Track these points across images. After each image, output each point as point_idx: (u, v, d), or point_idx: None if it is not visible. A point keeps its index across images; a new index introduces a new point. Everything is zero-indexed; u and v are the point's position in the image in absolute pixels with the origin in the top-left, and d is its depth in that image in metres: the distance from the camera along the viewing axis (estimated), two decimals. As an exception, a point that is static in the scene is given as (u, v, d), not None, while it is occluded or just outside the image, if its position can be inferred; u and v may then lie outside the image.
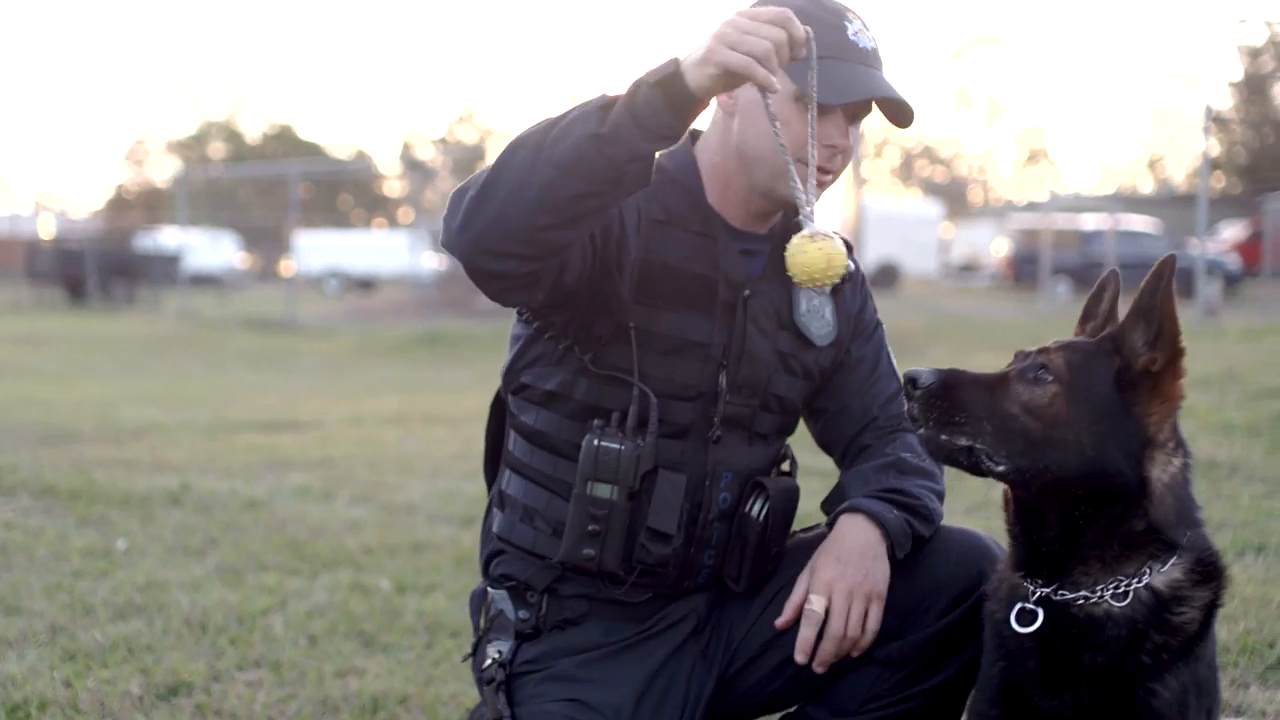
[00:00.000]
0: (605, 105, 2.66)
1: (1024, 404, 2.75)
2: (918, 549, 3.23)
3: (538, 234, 2.72)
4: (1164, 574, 2.77)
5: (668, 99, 2.62)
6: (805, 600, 3.09)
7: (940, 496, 3.33)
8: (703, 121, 3.27)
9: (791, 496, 3.34)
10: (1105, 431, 2.72)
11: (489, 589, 3.37)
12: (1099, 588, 2.75)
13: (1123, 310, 2.88)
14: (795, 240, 2.75)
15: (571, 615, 3.28)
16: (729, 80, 2.61)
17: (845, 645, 3.08)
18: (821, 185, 3.14)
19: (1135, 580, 2.75)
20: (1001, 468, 2.75)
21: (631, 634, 3.27)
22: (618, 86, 2.72)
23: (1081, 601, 2.77)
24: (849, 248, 3.42)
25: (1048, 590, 2.80)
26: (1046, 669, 2.80)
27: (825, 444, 3.55)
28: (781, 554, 3.32)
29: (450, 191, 2.80)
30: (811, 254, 2.73)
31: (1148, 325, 2.74)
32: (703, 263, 3.17)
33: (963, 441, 2.78)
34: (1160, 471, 2.75)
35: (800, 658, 3.06)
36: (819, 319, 3.36)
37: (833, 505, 3.30)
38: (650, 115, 2.62)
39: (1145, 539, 2.75)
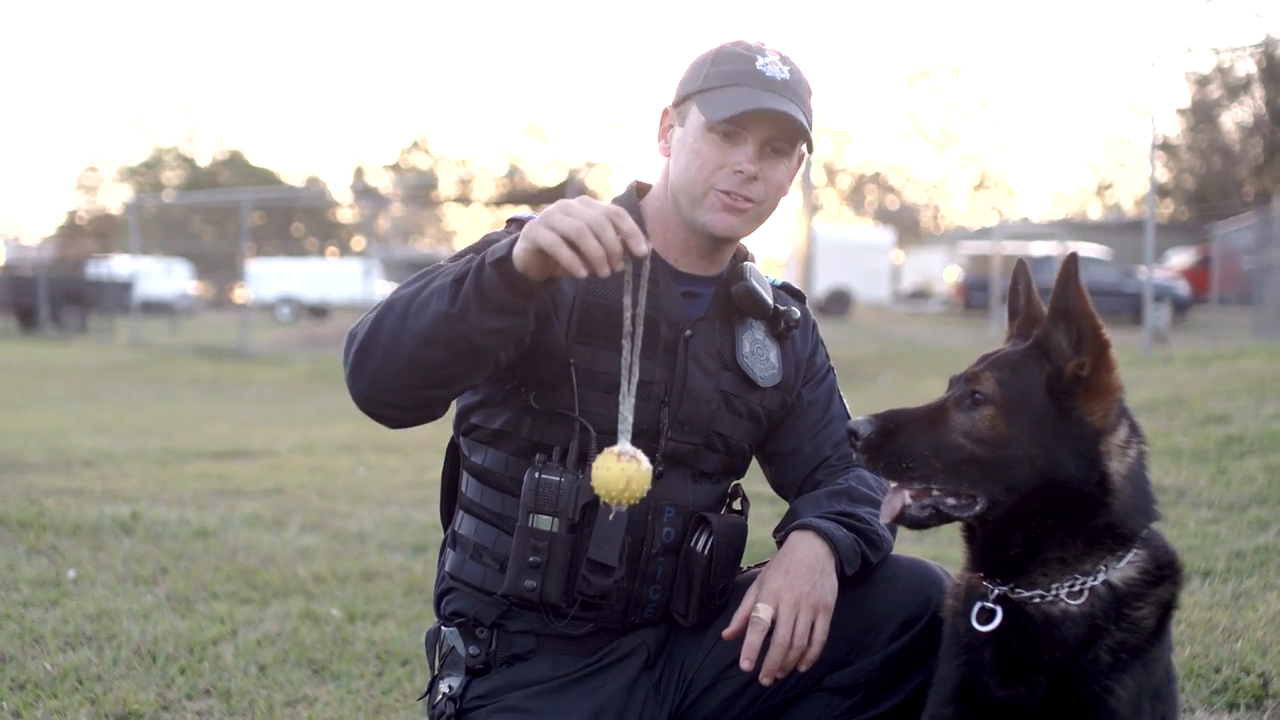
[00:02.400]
0: (459, 278, 2.78)
1: (965, 432, 2.78)
2: (866, 576, 3.27)
3: (413, 392, 2.91)
4: (1120, 570, 2.81)
5: (503, 277, 2.74)
6: (753, 609, 3.10)
7: (891, 527, 3.36)
8: (652, 175, 3.42)
9: (738, 532, 3.37)
10: (1050, 439, 2.76)
11: (442, 627, 3.41)
12: (1054, 586, 2.79)
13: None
14: (602, 456, 2.78)
15: (520, 650, 3.31)
16: (542, 258, 2.69)
17: (792, 655, 3.09)
18: (738, 213, 3.26)
19: (1091, 578, 2.79)
20: (978, 507, 2.79)
21: (580, 667, 3.29)
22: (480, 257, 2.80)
23: (1038, 600, 2.80)
24: (803, 297, 3.47)
25: (1005, 589, 2.83)
26: (1003, 662, 2.83)
27: (779, 486, 3.60)
28: (730, 589, 3.34)
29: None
30: (614, 472, 2.76)
31: (1068, 327, 2.78)
32: (644, 303, 3.21)
33: (916, 487, 2.81)
34: (1118, 464, 2.79)
35: (745, 664, 3.07)
36: (762, 361, 3.41)
37: (786, 527, 3.32)
38: (492, 292, 2.74)
39: (1105, 534, 2.79)
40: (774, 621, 3.08)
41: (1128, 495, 2.80)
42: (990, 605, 2.86)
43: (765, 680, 3.11)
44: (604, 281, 3.16)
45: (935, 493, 2.81)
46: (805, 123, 3.21)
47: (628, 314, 2.82)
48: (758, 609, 3.09)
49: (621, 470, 2.74)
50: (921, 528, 2.87)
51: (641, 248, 2.71)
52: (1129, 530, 2.81)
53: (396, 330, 2.83)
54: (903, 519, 2.85)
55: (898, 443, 2.82)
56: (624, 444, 2.78)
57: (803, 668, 3.13)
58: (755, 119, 3.16)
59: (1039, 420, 2.77)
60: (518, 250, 2.71)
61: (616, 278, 3.11)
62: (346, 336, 2.97)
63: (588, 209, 2.68)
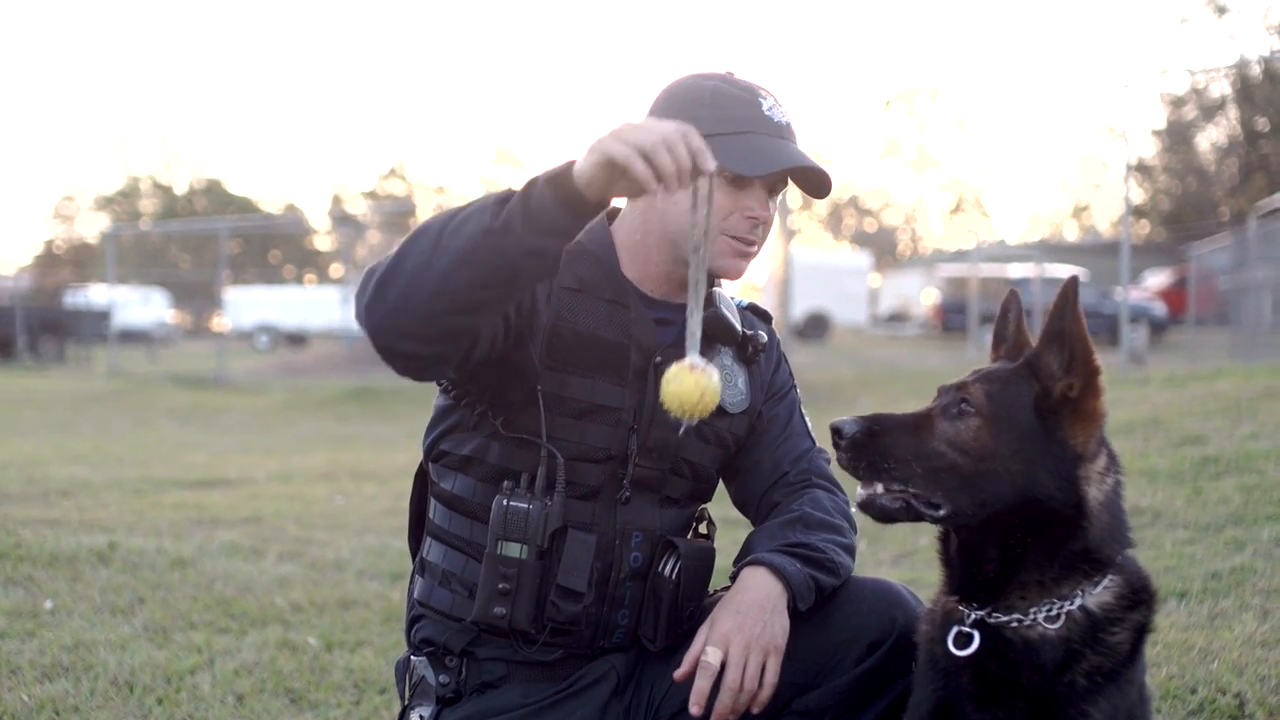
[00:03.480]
0: (502, 199, 2.71)
1: (949, 440, 2.80)
2: (831, 599, 3.27)
3: (438, 320, 2.78)
4: (1096, 595, 2.82)
5: (558, 195, 2.66)
6: (702, 652, 3.10)
7: (849, 550, 3.37)
8: (620, 200, 3.32)
9: (705, 556, 3.38)
10: (1033, 457, 2.76)
11: (411, 656, 3.40)
12: (1032, 610, 2.80)
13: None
14: (674, 368, 2.75)
15: (490, 678, 3.31)
16: (611, 172, 2.62)
17: (742, 699, 3.08)
18: (746, 256, 3.25)
19: (1068, 603, 2.80)
20: (943, 511, 2.79)
21: (550, 694, 3.29)
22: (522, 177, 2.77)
23: (1015, 624, 2.81)
24: (769, 318, 3.48)
25: (982, 613, 2.84)
26: (981, 687, 2.84)
27: (740, 503, 3.60)
28: (698, 613, 3.33)
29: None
30: (687, 384, 2.72)
31: (1060, 349, 2.79)
32: (614, 330, 3.22)
33: (896, 488, 2.81)
34: (1096, 490, 2.81)
35: (694, 709, 3.06)
36: (731, 387, 3.42)
37: (740, 561, 3.32)
38: (541, 211, 2.66)
39: (1081, 559, 2.80)
40: (724, 664, 3.07)
41: (1104, 522, 2.82)
42: (967, 630, 2.86)
43: None
44: (575, 307, 3.17)
45: (911, 492, 2.82)
46: (826, 172, 3.22)
47: (695, 230, 2.78)
48: (707, 652, 3.08)
49: (695, 382, 2.72)
50: (888, 519, 2.86)
51: (710, 164, 2.67)
52: (1105, 556, 2.82)
53: (429, 251, 2.74)
54: (872, 506, 2.85)
55: (881, 444, 2.83)
56: (694, 357, 2.75)
57: (755, 709, 3.12)
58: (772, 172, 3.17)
59: (1024, 437, 2.78)
60: (583, 165, 2.64)
61: (587, 304, 3.12)
62: (364, 275, 2.87)
63: (659, 125, 2.63)
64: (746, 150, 3.13)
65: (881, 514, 2.85)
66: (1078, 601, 2.81)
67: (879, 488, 2.85)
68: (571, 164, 2.67)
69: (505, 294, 2.81)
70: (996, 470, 2.76)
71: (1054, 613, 2.80)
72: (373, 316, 2.81)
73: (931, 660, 2.96)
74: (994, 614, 2.83)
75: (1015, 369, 2.87)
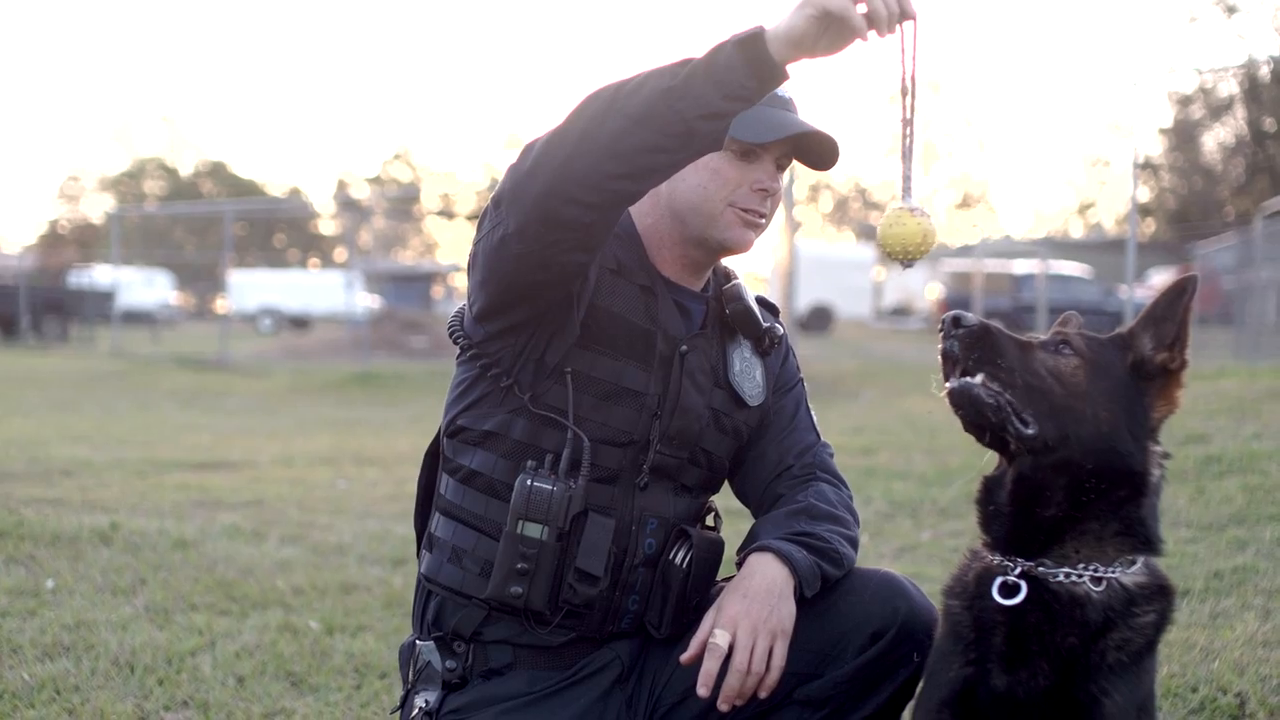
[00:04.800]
0: (683, 61, 2.67)
1: (1049, 369, 2.83)
2: (833, 589, 3.27)
3: (606, 182, 2.75)
4: (1131, 575, 2.85)
5: (746, 58, 2.62)
6: (710, 635, 3.10)
7: (852, 542, 3.37)
8: None
9: (715, 548, 3.38)
10: (1119, 412, 2.81)
11: (417, 641, 3.39)
12: (1081, 566, 2.82)
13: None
14: (893, 211, 2.76)
15: (497, 665, 3.29)
16: (822, 24, 2.58)
17: (750, 681, 3.08)
18: (755, 228, 3.26)
19: (1110, 570, 2.82)
20: (1030, 430, 2.78)
21: (555, 681, 3.28)
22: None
23: (1062, 578, 2.82)
24: (776, 311, 3.48)
25: (1029, 565, 2.84)
26: (1014, 644, 2.83)
27: (743, 494, 3.60)
28: (704, 604, 3.32)
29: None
30: (910, 227, 2.74)
31: (1158, 332, 2.86)
32: (643, 315, 3.22)
33: (995, 387, 2.80)
34: (1155, 469, 2.86)
35: (702, 691, 3.07)
36: (750, 380, 3.42)
37: (746, 548, 3.31)
38: (727, 72, 2.62)
39: (1138, 525, 2.84)
40: (731, 647, 3.08)
41: (1151, 504, 2.87)
42: (1013, 580, 2.85)
43: (723, 707, 3.11)
44: (613, 289, 3.18)
45: (1007, 396, 2.81)
46: (835, 139, 3.22)
47: (905, 73, 2.75)
48: (715, 635, 3.08)
49: (918, 225, 2.74)
50: (974, 412, 2.82)
51: (915, 8, 2.66)
52: (1154, 533, 2.87)
53: (602, 113, 2.71)
54: (965, 394, 2.81)
55: (996, 342, 2.84)
56: (911, 200, 2.76)
57: (762, 694, 3.13)
58: (781, 138, 3.17)
59: (1115, 390, 2.83)
60: (790, 22, 2.60)
61: (623, 287, 3.13)
62: (522, 151, 2.85)
63: None
64: (755, 121, 3.13)
65: (972, 404, 2.81)
66: (1117, 572, 2.83)
67: (978, 378, 2.83)
68: (761, 29, 2.63)
69: (676, 160, 2.78)
70: (1085, 411, 2.79)
71: (1099, 575, 2.81)
72: (535, 180, 2.79)
73: (956, 635, 2.93)
74: (1041, 565, 2.83)
75: (1110, 336, 2.94)
